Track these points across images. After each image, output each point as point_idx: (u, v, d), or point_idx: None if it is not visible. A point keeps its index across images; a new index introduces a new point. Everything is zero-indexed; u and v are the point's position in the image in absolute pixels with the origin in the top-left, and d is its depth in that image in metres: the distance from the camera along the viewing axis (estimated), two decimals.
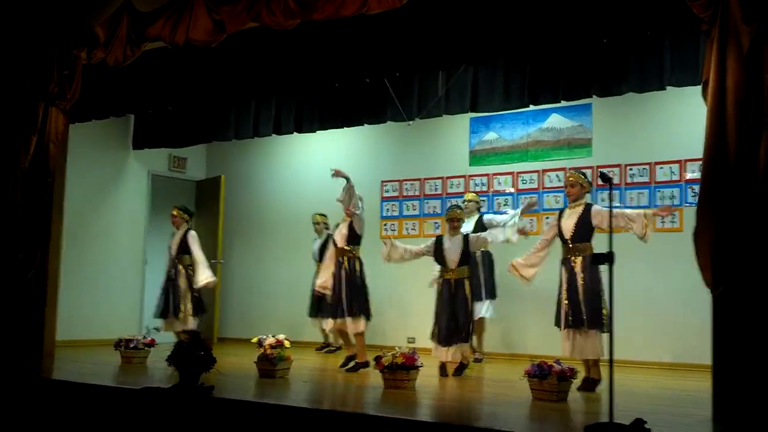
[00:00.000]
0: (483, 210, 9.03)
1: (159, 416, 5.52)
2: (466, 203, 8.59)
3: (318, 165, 11.01)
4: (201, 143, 10.77)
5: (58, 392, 6.23)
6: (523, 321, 9.05)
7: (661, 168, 8.57)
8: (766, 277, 4.66)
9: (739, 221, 4.80)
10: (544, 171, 9.29)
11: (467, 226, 8.41)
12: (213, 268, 10.77)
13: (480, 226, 8.34)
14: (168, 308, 8.64)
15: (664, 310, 8.29)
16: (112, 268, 10.69)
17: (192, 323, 8.57)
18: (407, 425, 4.74)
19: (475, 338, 7.99)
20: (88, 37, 7.99)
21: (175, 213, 9.06)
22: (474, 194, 8.95)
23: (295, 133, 9.26)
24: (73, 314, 9.67)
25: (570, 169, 7.95)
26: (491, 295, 8.58)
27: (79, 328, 9.95)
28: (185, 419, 5.43)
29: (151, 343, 8.07)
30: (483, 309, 8.45)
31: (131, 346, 7.98)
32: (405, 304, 9.75)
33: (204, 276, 8.72)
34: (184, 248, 8.87)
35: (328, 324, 7.77)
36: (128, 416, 5.66)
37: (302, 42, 7.41)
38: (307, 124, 9.00)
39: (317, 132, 9.37)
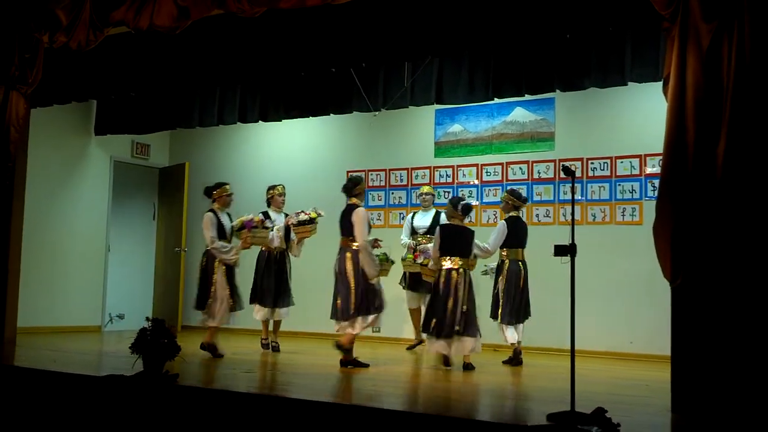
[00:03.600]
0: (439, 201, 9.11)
1: (122, 404, 5.50)
2: (423, 196, 8.66)
3: (283, 154, 11.02)
4: (164, 130, 10.71)
5: (20, 379, 6.17)
6: None
7: (621, 162, 8.72)
8: (723, 269, 4.79)
9: (697, 215, 4.92)
10: (508, 164, 9.39)
11: (425, 220, 8.50)
12: (177, 256, 10.76)
13: (437, 222, 8.40)
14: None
15: (625, 301, 8.46)
16: (74, 255, 10.58)
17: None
18: (378, 414, 4.80)
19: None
20: (50, 20, 7.86)
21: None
22: (429, 187, 8.97)
23: (260, 121, 9.25)
24: (34, 301, 9.58)
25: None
26: None
27: (41, 315, 9.86)
28: (149, 407, 5.42)
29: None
30: None
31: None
32: None
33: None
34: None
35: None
36: (91, 404, 5.63)
37: (268, 30, 7.38)
38: (272, 113, 8.99)
39: (283, 121, 9.38)
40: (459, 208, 7.12)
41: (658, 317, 6.54)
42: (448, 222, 7.35)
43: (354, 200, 7.19)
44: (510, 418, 4.74)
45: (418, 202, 9.18)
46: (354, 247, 6.98)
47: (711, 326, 4.80)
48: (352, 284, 6.89)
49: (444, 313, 6.85)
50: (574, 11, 6.12)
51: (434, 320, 6.89)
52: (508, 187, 8.41)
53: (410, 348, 8.78)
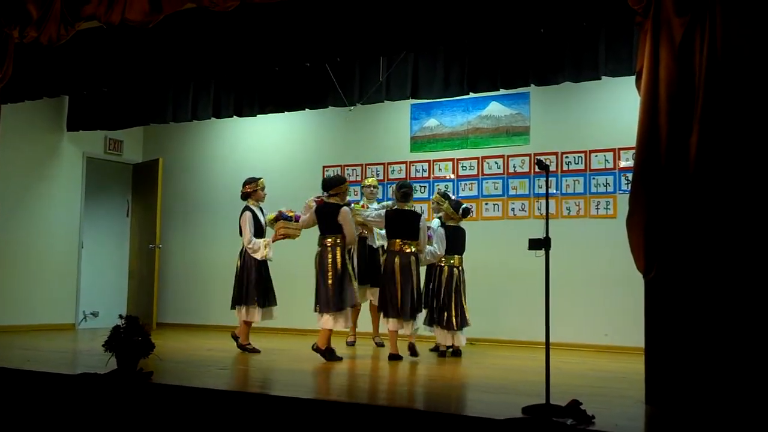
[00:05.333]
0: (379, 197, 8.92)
1: (96, 402, 5.45)
2: (370, 189, 8.49)
3: (258, 149, 10.96)
4: (138, 125, 10.57)
5: None
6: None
7: (596, 156, 8.77)
8: (696, 261, 4.82)
9: (669, 209, 4.95)
10: (484, 158, 9.41)
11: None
12: (152, 252, 10.68)
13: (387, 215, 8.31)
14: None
15: (600, 294, 8.51)
16: (47, 252, 10.46)
17: None
18: (359, 410, 4.79)
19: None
20: (20, 15, 7.73)
21: None
22: (374, 179, 8.80)
23: (234, 116, 9.20)
24: (6, 299, 9.47)
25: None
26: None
27: (13, 314, 9.77)
28: (123, 405, 5.37)
29: None
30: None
31: None
32: None
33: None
34: None
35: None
36: (65, 402, 5.57)
37: (241, 24, 7.31)
38: (247, 108, 8.95)
39: (258, 116, 9.33)
40: (460, 211, 7.67)
41: (632, 310, 6.57)
42: (447, 224, 7.72)
43: (408, 206, 7.47)
44: (485, 411, 4.75)
45: (358, 197, 9.04)
46: (413, 251, 7.32)
47: (684, 318, 4.83)
48: (414, 285, 7.28)
49: (449, 306, 7.48)
50: (548, 6, 6.12)
51: (445, 313, 7.49)
52: (440, 188, 9.14)
53: (351, 344, 8.46)
